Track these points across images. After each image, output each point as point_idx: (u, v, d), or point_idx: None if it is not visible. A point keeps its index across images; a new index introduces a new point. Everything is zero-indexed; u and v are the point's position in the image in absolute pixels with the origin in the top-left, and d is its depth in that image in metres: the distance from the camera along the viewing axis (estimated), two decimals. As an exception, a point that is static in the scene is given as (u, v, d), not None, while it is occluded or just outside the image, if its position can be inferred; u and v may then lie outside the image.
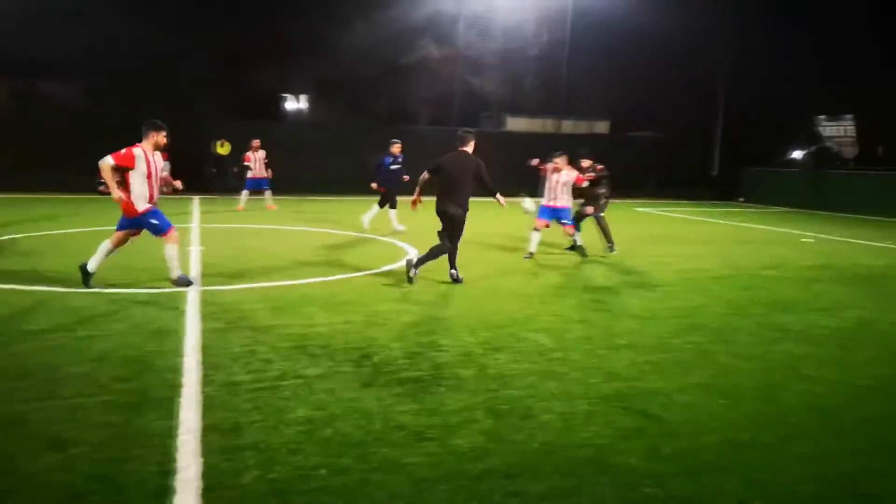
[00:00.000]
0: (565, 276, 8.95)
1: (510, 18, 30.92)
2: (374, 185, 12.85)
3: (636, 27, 26.79)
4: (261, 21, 29.56)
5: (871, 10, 25.59)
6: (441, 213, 8.02)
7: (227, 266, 8.82)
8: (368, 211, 13.30)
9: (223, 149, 20.92)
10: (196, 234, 11.88)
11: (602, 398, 4.45)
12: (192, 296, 6.99)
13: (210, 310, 6.43)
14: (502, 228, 13.77)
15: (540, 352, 5.45)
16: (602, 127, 34.23)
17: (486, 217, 14.33)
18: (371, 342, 5.56)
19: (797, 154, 27.37)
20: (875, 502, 3.21)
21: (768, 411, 4.31)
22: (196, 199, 19.26)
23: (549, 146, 20.36)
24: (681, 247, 12.34)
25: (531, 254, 10.12)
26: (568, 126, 31.24)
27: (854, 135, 26.12)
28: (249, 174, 16.84)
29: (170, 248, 7.28)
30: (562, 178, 10.07)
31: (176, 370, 4.73)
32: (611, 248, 11.02)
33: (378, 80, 31.56)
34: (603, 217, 11.01)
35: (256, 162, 16.83)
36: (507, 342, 5.72)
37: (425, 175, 8.14)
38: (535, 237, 10.18)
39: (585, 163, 10.82)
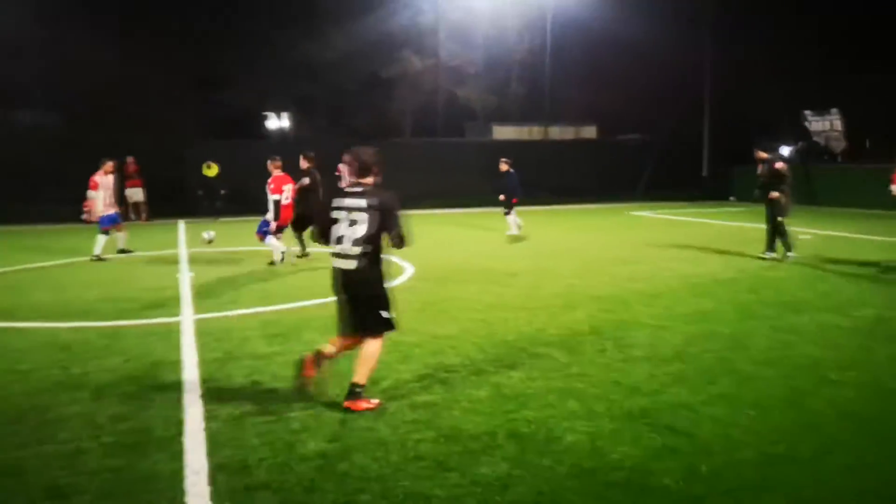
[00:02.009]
0: (566, 286, 8.77)
1: (490, 26, 30.96)
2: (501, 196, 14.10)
3: (616, 31, 26.88)
4: (235, 38, 29.27)
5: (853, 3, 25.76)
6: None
7: (218, 291, 8.59)
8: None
9: (210, 171, 20.60)
10: (184, 260, 11.61)
11: (626, 415, 4.26)
12: (187, 325, 6.76)
13: (206, 339, 6.19)
14: (482, 246, 13.62)
15: (555, 367, 5.26)
16: (589, 132, 34.28)
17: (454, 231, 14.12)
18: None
19: (785, 150, 27.40)
20: (928, 515, 3.05)
21: (800, 421, 4.14)
22: (181, 224, 18.95)
23: (536, 153, 20.19)
24: (679, 250, 12.20)
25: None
26: (555, 132, 31.20)
27: (840, 129, 26.15)
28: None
29: None
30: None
31: (177, 406, 4.50)
32: (770, 253, 10.45)
33: (359, 94, 31.38)
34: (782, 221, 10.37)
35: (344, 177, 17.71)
36: (519, 358, 5.53)
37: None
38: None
39: (762, 155, 10.66)
